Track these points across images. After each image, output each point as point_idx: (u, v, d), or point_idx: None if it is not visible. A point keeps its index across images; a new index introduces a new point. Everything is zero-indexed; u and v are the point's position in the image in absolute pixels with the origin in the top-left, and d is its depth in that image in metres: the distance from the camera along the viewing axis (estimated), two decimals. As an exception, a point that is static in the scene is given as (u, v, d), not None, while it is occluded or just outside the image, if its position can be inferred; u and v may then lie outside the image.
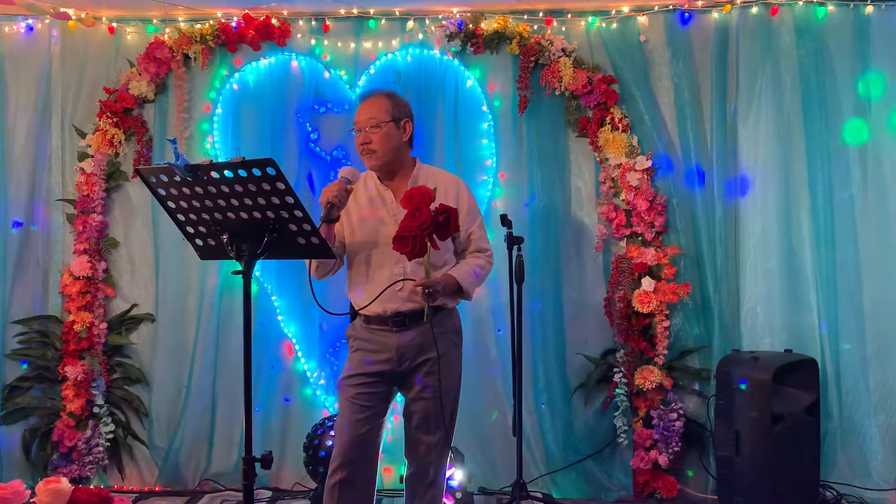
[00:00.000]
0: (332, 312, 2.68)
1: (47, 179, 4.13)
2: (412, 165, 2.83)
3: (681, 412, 3.86)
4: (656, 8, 4.03)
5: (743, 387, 3.41)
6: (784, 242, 3.91)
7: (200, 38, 4.07)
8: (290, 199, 2.03)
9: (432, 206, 2.43)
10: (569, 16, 4.09)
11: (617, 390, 3.93)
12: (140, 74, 4.08)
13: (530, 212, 4.05)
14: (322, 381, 4.06)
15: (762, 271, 3.91)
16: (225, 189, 2.03)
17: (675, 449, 3.83)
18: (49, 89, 4.12)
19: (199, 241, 2.23)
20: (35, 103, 4.12)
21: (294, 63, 4.13)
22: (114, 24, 4.15)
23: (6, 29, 4.15)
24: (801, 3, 3.93)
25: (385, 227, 2.70)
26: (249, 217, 2.07)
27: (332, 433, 3.63)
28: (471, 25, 4.02)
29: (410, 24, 4.11)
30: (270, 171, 1.96)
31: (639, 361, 3.90)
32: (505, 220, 3.42)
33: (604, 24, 4.07)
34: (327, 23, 4.13)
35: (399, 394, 2.81)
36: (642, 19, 4.04)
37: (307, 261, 2.66)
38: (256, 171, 1.97)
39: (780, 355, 3.59)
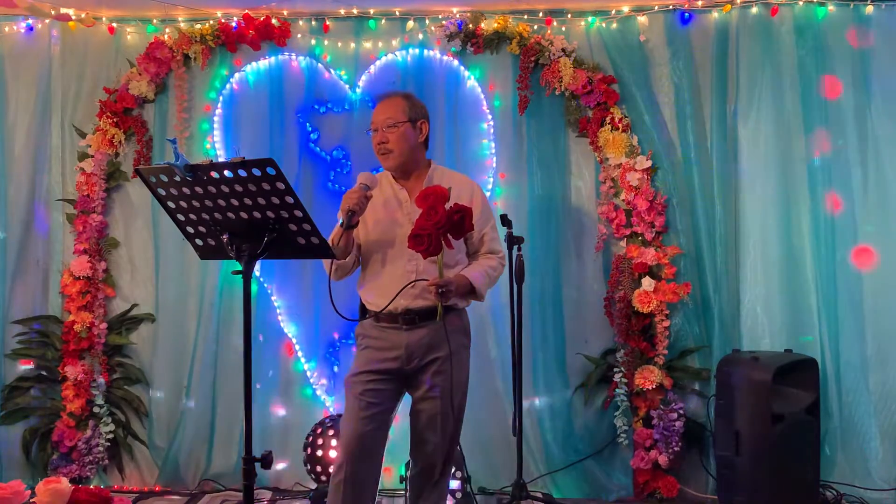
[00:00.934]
0: (349, 318, 2.69)
1: (47, 179, 4.14)
2: (427, 166, 2.86)
3: (681, 412, 3.86)
4: (656, 8, 4.03)
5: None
6: (784, 242, 3.91)
7: (200, 38, 4.07)
8: (289, 199, 2.03)
9: (447, 206, 2.44)
10: (569, 16, 4.09)
11: (617, 390, 3.93)
12: (140, 74, 4.08)
13: (530, 212, 4.05)
14: (322, 381, 4.06)
15: (762, 271, 3.91)
16: (225, 189, 2.03)
17: (675, 449, 3.83)
18: (49, 89, 4.12)
19: (199, 241, 2.23)
20: (35, 103, 4.12)
21: (294, 63, 4.13)
22: (114, 24, 4.15)
23: (6, 29, 4.15)
24: (801, 3, 3.93)
25: (400, 228, 2.71)
26: (249, 217, 2.07)
27: (332, 433, 3.64)
28: (471, 25, 4.02)
29: (410, 24, 4.11)
30: (270, 171, 1.96)
31: (639, 361, 3.90)
32: (505, 220, 3.41)
33: (604, 24, 4.07)
34: (327, 23, 4.13)
35: (406, 393, 2.81)
36: (642, 19, 4.04)
37: (325, 265, 2.68)
38: (256, 171, 1.97)
39: (780, 355, 3.58)
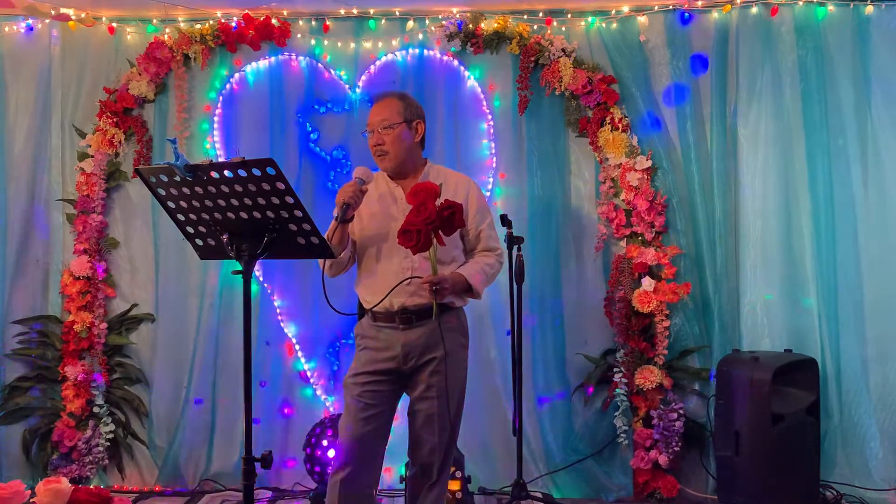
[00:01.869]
0: (342, 312, 2.69)
1: (47, 179, 4.13)
2: (423, 165, 2.85)
3: (681, 412, 3.86)
4: (656, 8, 4.03)
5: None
6: (784, 242, 3.91)
7: (200, 38, 4.07)
8: (289, 199, 2.03)
9: (438, 202, 2.44)
10: (569, 16, 4.09)
11: (617, 390, 3.93)
12: (140, 74, 4.08)
13: (530, 212, 4.05)
14: (322, 381, 4.06)
15: (762, 271, 3.91)
16: (225, 189, 2.03)
17: (675, 449, 3.83)
18: (49, 89, 4.12)
19: (199, 241, 2.23)
20: (35, 103, 4.12)
21: (294, 63, 4.14)
22: (114, 24, 4.15)
23: (6, 29, 4.15)
24: (801, 3, 3.93)
25: (395, 225, 2.69)
26: (249, 217, 2.07)
27: (331, 433, 3.64)
28: (471, 25, 4.02)
29: (410, 24, 4.11)
30: (270, 171, 1.96)
31: (639, 361, 3.90)
32: (505, 220, 3.42)
33: (604, 24, 4.07)
34: (327, 23, 4.13)
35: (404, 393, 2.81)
36: (642, 19, 4.04)
37: (319, 260, 2.67)
38: (256, 171, 1.97)
39: (780, 355, 3.59)
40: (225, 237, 2.12)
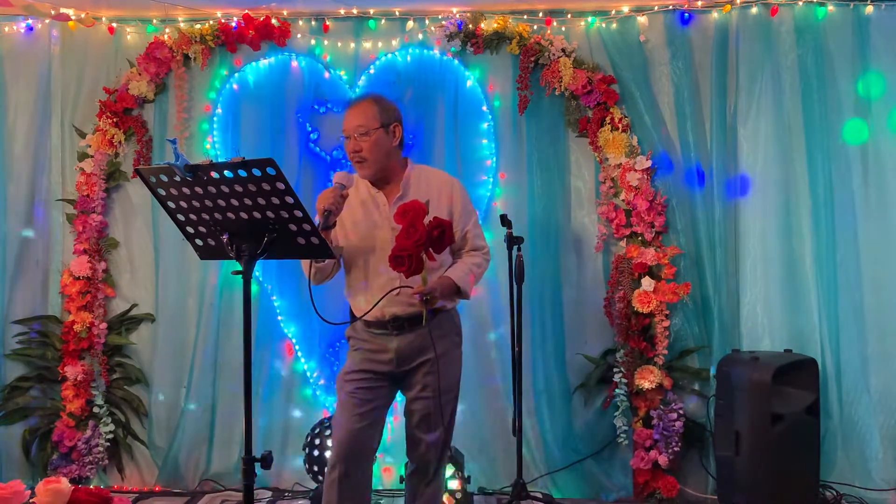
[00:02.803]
0: (331, 322, 2.68)
1: (47, 179, 4.13)
2: (404, 166, 2.82)
3: (681, 412, 3.86)
4: (656, 8, 4.03)
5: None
6: (784, 242, 3.91)
7: (200, 39, 4.07)
8: (289, 199, 2.03)
9: (426, 220, 2.43)
10: (569, 16, 4.09)
11: (617, 390, 3.93)
12: (140, 74, 4.08)
13: (530, 212, 4.05)
14: (322, 381, 4.06)
15: (762, 271, 3.91)
16: (225, 189, 2.03)
17: (675, 449, 3.83)
18: (49, 89, 4.12)
19: (199, 241, 2.23)
20: (35, 103, 4.12)
21: (294, 63, 4.13)
22: (114, 24, 4.15)
23: (6, 29, 4.15)
24: (801, 3, 3.93)
25: (380, 231, 2.70)
26: (249, 217, 2.07)
27: (331, 433, 3.64)
28: (471, 25, 4.02)
29: (410, 24, 4.11)
30: (270, 171, 1.96)
31: (639, 361, 3.90)
32: (505, 220, 3.42)
33: (604, 24, 4.07)
34: (327, 23, 4.13)
35: (400, 393, 2.81)
36: (642, 19, 4.04)
37: (304, 268, 2.66)
38: (256, 171, 1.97)
39: (780, 355, 3.59)
40: (225, 237, 2.12)
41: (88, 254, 4.05)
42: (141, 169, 2.14)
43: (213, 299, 4.08)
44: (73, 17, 4.07)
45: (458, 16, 4.04)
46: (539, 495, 3.81)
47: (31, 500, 2.58)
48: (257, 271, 4.06)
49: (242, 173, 1.98)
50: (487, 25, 4.03)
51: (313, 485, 3.80)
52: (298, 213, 2.06)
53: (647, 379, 3.85)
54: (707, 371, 3.92)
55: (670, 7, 4.02)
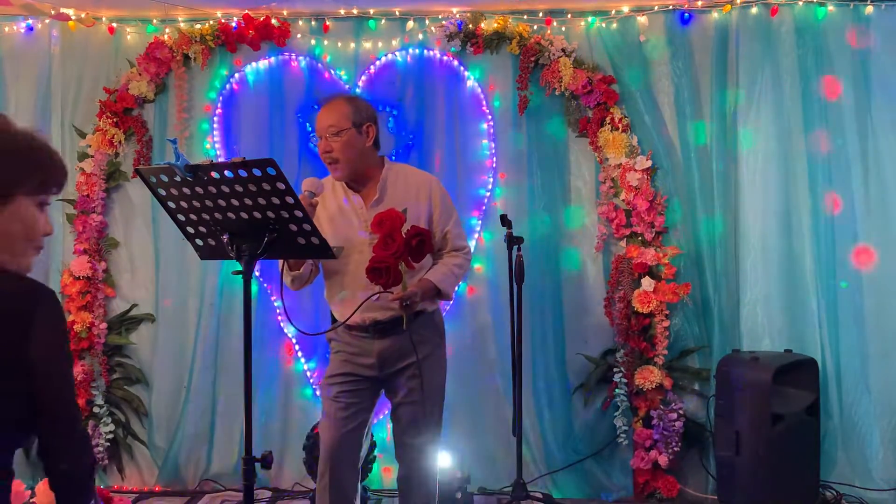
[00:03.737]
0: (308, 333, 2.67)
1: (47, 179, 4.12)
2: (381, 166, 2.77)
3: (681, 412, 3.86)
4: (656, 8, 4.03)
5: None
6: (784, 242, 3.91)
7: (200, 38, 4.07)
8: (290, 199, 2.02)
9: (404, 228, 2.42)
10: (569, 16, 4.09)
11: (617, 390, 3.93)
12: (140, 74, 4.08)
13: (530, 212, 4.05)
14: (322, 382, 4.06)
15: (762, 271, 3.91)
16: (225, 189, 2.03)
17: (675, 449, 3.83)
18: (49, 89, 4.12)
19: (199, 241, 2.23)
20: (35, 103, 4.11)
21: (294, 63, 4.13)
22: (114, 24, 4.15)
23: (6, 29, 4.15)
24: (801, 3, 3.93)
25: (357, 234, 2.67)
26: (249, 217, 2.07)
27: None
28: (471, 25, 4.02)
29: (410, 24, 4.11)
30: (270, 171, 1.96)
31: (639, 361, 3.90)
32: (505, 220, 3.41)
33: (604, 24, 4.07)
34: (327, 23, 4.12)
35: (382, 392, 2.82)
36: (642, 19, 4.04)
37: (281, 273, 2.64)
38: (256, 171, 1.97)
39: (780, 355, 3.59)
40: (225, 237, 2.11)
41: (88, 254, 4.05)
42: (141, 169, 2.14)
43: (213, 299, 4.07)
44: (73, 17, 4.07)
45: (458, 16, 4.04)
46: (539, 495, 3.80)
47: (31, 500, 2.58)
48: (257, 271, 4.06)
49: (243, 173, 1.98)
50: (487, 25, 4.03)
51: (313, 485, 3.80)
52: (299, 213, 2.06)
53: (648, 379, 3.85)
54: (707, 371, 3.92)
55: (670, 7, 4.02)
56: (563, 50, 4.00)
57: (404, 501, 2.84)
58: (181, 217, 2.17)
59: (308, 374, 4.07)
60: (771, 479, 3.36)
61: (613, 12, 4.06)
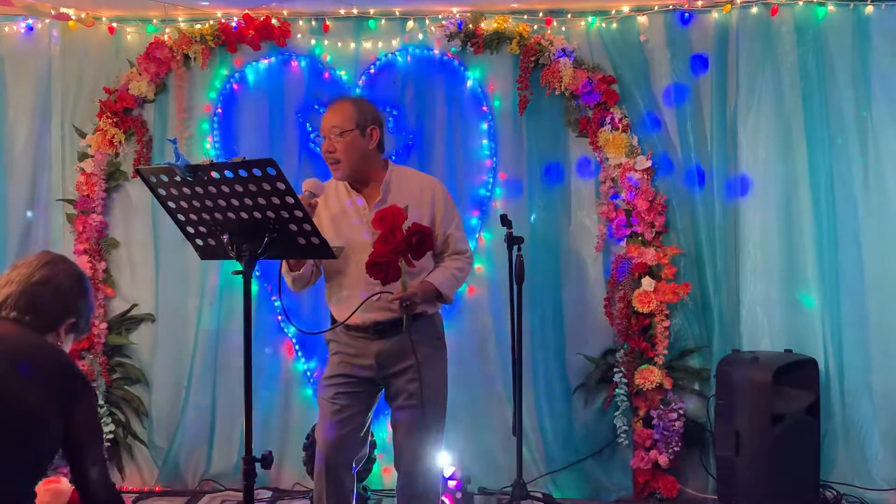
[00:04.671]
0: (308, 332, 2.67)
1: (47, 179, 4.13)
2: (384, 168, 2.78)
3: (681, 412, 3.86)
4: (656, 8, 4.03)
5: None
6: (784, 242, 3.91)
7: (200, 38, 4.07)
8: (290, 199, 2.03)
9: (405, 225, 2.42)
10: (569, 16, 4.09)
11: (617, 390, 3.93)
12: (140, 74, 4.08)
13: (530, 212, 4.05)
14: (322, 381, 4.06)
15: (762, 271, 3.91)
16: (225, 189, 2.03)
17: (675, 449, 3.83)
18: (49, 89, 4.12)
19: (199, 241, 2.23)
20: (35, 103, 4.11)
21: (294, 63, 4.13)
22: (114, 24, 4.15)
23: (6, 29, 4.15)
24: (801, 3, 3.93)
25: (359, 235, 2.67)
26: (249, 217, 2.07)
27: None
28: (471, 25, 4.02)
29: (410, 24, 4.11)
30: (271, 171, 1.96)
31: (639, 361, 3.90)
32: (505, 220, 3.41)
33: (604, 24, 4.07)
34: (327, 23, 4.12)
35: (380, 394, 2.81)
36: (642, 19, 4.04)
37: (285, 274, 2.64)
38: (257, 171, 1.97)
39: (780, 355, 3.59)
40: (225, 237, 2.11)
41: (88, 254, 4.05)
42: (141, 169, 2.14)
43: (213, 299, 4.07)
44: (73, 17, 4.07)
45: (458, 16, 4.04)
46: (539, 495, 3.80)
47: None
48: (257, 271, 4.06)
49: (243, 173, 1.98)
50: (487, 25, 4.03)
51: (313, 485, 3.80)
52: (299, 213, 2.06)
53: (648, 379, 3.85)
54: (707, 371, 3.92)
55: (670, 7, 4.02)
56: (563, 50, 4.00)
57: None
58: (181, 217, 2.18)
59: (308, 374, 4.07)
60: (771, 479, 3.36)
61: (613, 12, 4.06)
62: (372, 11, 4.10)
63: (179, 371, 4.10)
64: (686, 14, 4.01)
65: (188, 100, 4.12)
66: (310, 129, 4.11)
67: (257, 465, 2.07)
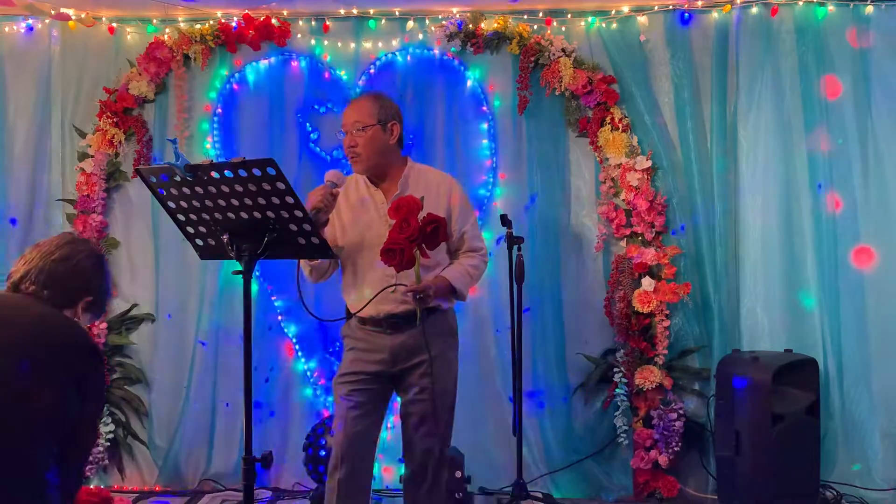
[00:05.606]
0: (325, 319, 2.68)
1: (47, 179, 4.13)
2: (403, 165, 2.81)
3: (681, 412, 3.86)
4: (656, 8, 4.03)
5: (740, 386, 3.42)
6: (784, 242, 3.91)
7: (200, 38, 4.07)
8: (290, 199, 2.03)
9: (420, 216, 2.43)
10: (569, 16, 4.09)
11: (617, 390, 3.93)
12: (140, 74, 4.08)
13: (530, 212, 4.05)
14: (322, 381, 4.06)
15: (762, 271, 3.91)
16: (225, 189, 2.03)
17: (675, 449, 3.83)
18: (49, 89, 4.12)
19: (199, 241, 2.23)
20: (35, 103, 4.11)
21: (294, 63, 4.13)
22: (114, 24, 4.15)
23: (6, 29, 4.15)
24: (801, 3, 3.93)
25: (376, 229, 2.69)
26: (249, 217, 2.07)
27: (332, 433, 3.65)
28: (471, 25, 4.02)
29: (410, 24, 4.11)
30: (270, 171, 1.96)
31: (639, 361, 3.90)
32: (505, 220, 3.42)
33: (604, 24, 4.07)
34: (327, 23, 4.12)
35: (394, 392, 2.81)
36: (642, 19, 4.04)
37: (299, 266, 2.65)
38: (256, 171, 1.97)
39: (780, 355, 3.58)
40: (225, 237, 2.12)
41: (88, 254, 4.04)
42: (141, 169, 2.14)
43: (213, 299, 4.07)
44: (73, 17, 4.07)
45: (458, 16, 4.04)
46: (539, 495, 3.81)
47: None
48: (257, 271, 4.06)
49: (242, 173, 1.98)
50: (487, 25, 4.03)
51: (313, 485, 3.80)
52: (299, 213, 2.06)
53: (648, 379, 3.85)
54: (707, 371, 3.92)
55: (670, 7, 4.02)
56: (563, 50, 4.00)
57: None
58: (181, 217, 2.18)
59: (308, 374, 4.07)
60: (771, 479, 3.36)
61: (613, 12, 4.06)
62: (372, 11, 4.10)
63: (179, 371, 4.10)
64: (686, 14, 4.01)
65: (188, 100, 4.12)
66: (310, 129, 4.11)
67: (257, 465, 2.07)
